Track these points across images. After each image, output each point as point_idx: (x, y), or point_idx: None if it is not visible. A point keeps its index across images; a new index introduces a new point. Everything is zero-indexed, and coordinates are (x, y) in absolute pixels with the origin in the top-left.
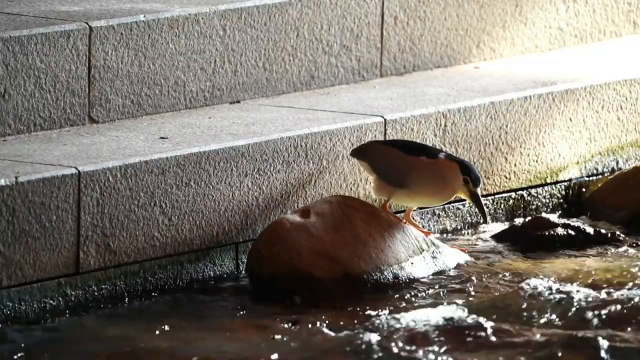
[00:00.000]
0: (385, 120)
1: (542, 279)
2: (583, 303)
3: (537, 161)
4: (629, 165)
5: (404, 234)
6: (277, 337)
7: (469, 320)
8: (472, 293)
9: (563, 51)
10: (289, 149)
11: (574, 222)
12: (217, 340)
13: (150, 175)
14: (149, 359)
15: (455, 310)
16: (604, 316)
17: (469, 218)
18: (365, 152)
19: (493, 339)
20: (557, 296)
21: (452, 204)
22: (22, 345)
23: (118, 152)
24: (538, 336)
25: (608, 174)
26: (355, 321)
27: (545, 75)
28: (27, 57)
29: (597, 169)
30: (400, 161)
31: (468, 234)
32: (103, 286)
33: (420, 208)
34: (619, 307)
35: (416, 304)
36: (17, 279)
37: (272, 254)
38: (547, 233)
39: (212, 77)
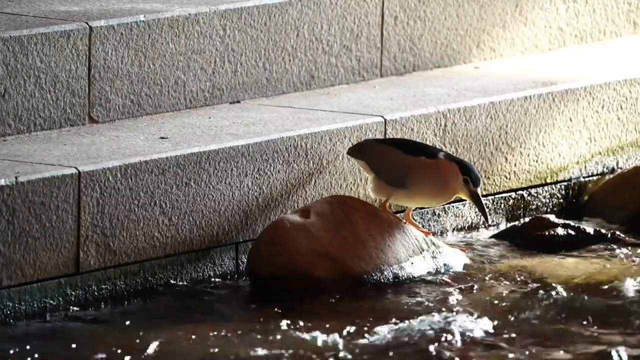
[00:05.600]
0: (385, 120)
1: (542, 279)
2: (583, 303)
3: (537, 161)
4: (629, 165)
5: (404, 234)
6: (277, 337)
7: (469, 320)
8: (472, 293)
9: (563, 51)
10: (289, 149)
11: (574, 222)
12: (217, 340)
13: (150, 175)
14: (148, 359)
15: (455, 310)
16: (604, 316)
17: (469, 218)
18: (364, 151)
19: (493, 339)
20: (557, 296)
21: (452, 204)
22: (22, 345)
23: (118, 152)
24: (538, 336)
25: (608, 174)
26: (356, 321)
27: (545, 75)
28: (27, 57)
29: (597, 169)
30: (400, 161)
31: (468, 234)
32: (103, 286)
33: (420, 208)
34: (619, 307)
35: (416, 304)
36: (17, 279)
37: (272, 254)
38: (547, 233)
39: (212, 77)
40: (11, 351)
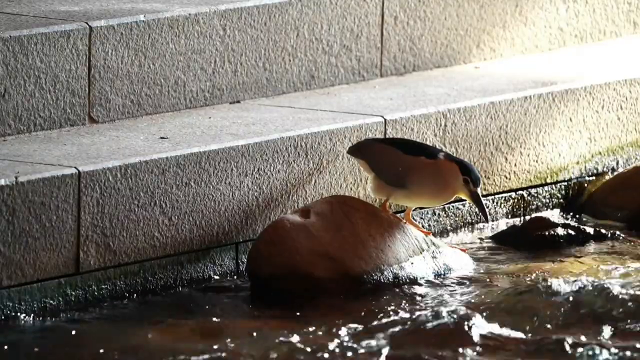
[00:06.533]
0: (385, 120)
1: (542, 279)
2: (583, 303)
3: (537, 161)
4: (629, 165)
5: (404, 234)
6: (277, 337)
7: (469, 320)
8: (472, 293)
9: (563, 51)
10: (289, 149)
11: (574, 222)
12: (217, 340)
13: (150, 175)
14: (148, 359)
15: (455, 310)
16: (604, 316)
17: (469, 218)
18: (363, 151)
19: (493, 339)
20: (557, 296)
21: (452, 204)
22: (22, 345)
23: (118, 152)
24: (538, 336)
25: (608, 174)
26: (356, 321)
27: (545, 75)
28: (27, 57)
29: (597, 169)
30: (399, 161)
31: (468, 234)
32: (103, 286)
33: (420, 208)
34: (619, 307)
35: (416, 304)
36: (17, 279)
37: (272, 254)
38: (547, 233)
39: (212, 77)
40: (11, 351)
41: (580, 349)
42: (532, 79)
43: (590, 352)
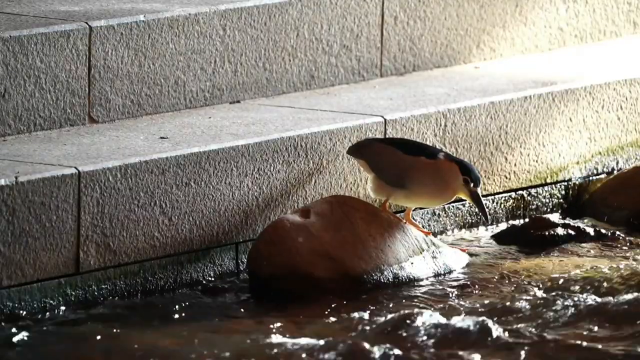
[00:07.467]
0: (385, 120)
1: (541, 279)
2: (583, 303)
3: (537, 161)
4: (629, 165)
5: (404, 234)
6: (277, 337)
7: (469, 320)
8: (472, 293)
9: (563, 51)
10: (289, 149)
11: (574, 222)
12: (217, 340)
13: (150, 175)
14: (148, 359)
15: (454, 310)
16: (603, 316)
17: (469, 218)
18: (363, 151)
19: (493, 339)
20: (557, 296)
21: (452, 204)
22: (22, 345)
23: (118, 152)
24: (537, 336)
25: (608, 174)
26: (356, 321)
27: (545, 75)
28: (27, 57)
29: (597, 169)
30: (399, 161)
31: (468, 234)
32: (103, 286)
33: (420, 208)
34: (619, 307)
35: (416, 304)
36: (17, 279)
37: (272, 254)
38: (547, 233)
39: (212, 77)
40: (11, 351)
41: (580, 349)
42: (532, 79)
43: (591, 353)
